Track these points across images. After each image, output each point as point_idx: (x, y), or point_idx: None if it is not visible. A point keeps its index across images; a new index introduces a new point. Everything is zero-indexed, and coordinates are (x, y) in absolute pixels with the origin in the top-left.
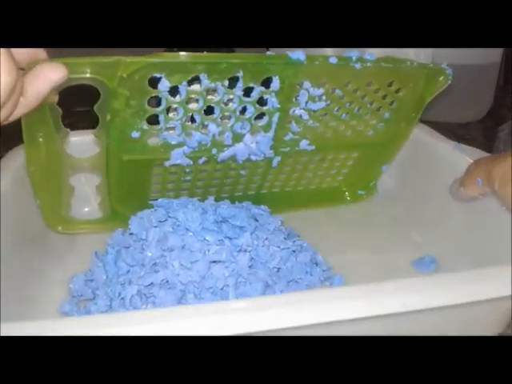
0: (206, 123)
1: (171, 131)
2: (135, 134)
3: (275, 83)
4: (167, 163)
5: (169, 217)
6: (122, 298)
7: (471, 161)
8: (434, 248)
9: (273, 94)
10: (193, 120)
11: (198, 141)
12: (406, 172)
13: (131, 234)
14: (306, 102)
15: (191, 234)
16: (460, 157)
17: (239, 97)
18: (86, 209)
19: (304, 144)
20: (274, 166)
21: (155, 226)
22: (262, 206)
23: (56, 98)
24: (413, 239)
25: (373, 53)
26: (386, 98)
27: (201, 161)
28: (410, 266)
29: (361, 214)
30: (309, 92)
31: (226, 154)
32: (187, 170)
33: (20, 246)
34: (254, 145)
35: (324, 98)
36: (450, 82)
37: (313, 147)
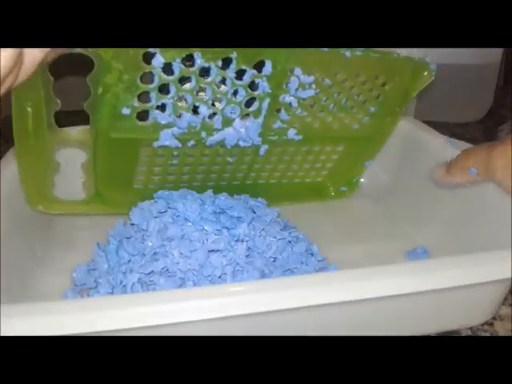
0: (197, 104)
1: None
2: (125, 111)
3: (267, 67)
4: (156, 144)
5: (169, 208)
6: (124, 286)
7: None
8: (427, 242)
9: (264, 78)
10: (184, 102)
11: (188, 122)
12: (400, 166)
13: (132, 224)
14: (296, 89)
15: (190, 224)
16: (453, 152)
17: (231, 79)
18: (69, 188)
19: (292, 133)
20: (262, 155)
21: (155, 217)
22: (259, 199)
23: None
24: (406, 233)
25: None
26: (372, 91)
27: (189, 144)
28: (403, 259)
29: (355, 208)
30: (299, 79)
31: (215, 137)
32: (175, 154)
33: (23, 238)
34: (243, 130)
35: (313, 86)
36: (433, 77)
37: (300, 137)
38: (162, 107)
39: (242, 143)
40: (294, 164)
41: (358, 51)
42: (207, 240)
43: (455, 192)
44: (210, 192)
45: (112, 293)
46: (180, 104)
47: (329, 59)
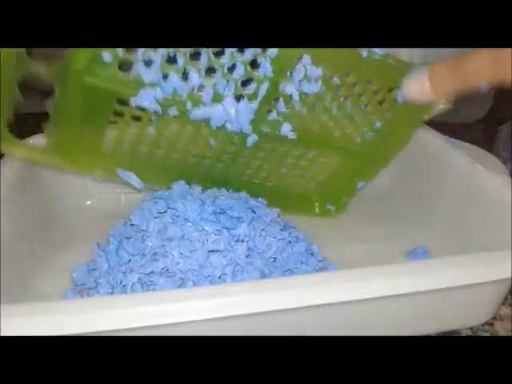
0: (187, 70)
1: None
2: (107, 58)
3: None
4: (133, 100)
5: (168, 208)
6: (124, 286)
7: (467, 157)
8: (427, 242)
9: (268, 59)
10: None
11: (174, 87)
12: (400, 166)
13: (132, 225)
14: (300, 81)
15: (190, 224)
16: (453, 152)
17: (231, 51)
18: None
19: (286, 129)
20: (249, 147)
21: (155, 217)
22: (260, 199)
23: None
24: (406, 233)
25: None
26: (383, 103)
27: (171, 112)
28: (403, 259)
29: (355, 208)
30: (306, 69)
31: (200, 112)
32: (153, 119)
33: (23, 238)
34: (233, 111)
35: (320, 82)
36: (451, 104)
37: (295, 136)
38: (149, 64)
39: (229, 126)
40: (282, 167)
41: (377, 55)
42: (207, 240)
43: (455, 192)
44: (210, 192)
45: (112, 293)
46: (169, 65)
47: (343, 54)
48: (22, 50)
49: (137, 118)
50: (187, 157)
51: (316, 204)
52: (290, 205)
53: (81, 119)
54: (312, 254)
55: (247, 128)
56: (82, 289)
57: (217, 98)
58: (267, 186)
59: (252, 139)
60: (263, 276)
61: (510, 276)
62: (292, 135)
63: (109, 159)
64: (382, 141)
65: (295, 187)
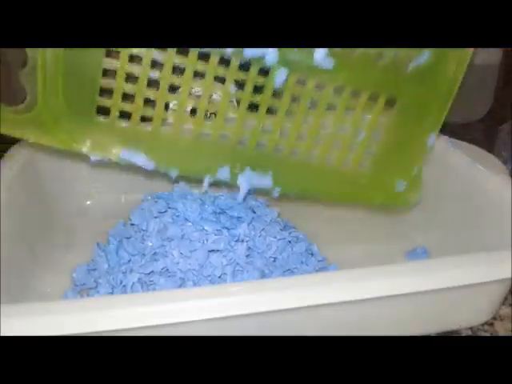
0: None
1: None
2: None
3: None
4: None
5: (169, 208)
6: (124, 286)
7: (467, 157)
8: (427, 242)
9: None
10: None
11: None
12: None
13: (132, 224)
14: None
15: (190, 224)
16: (456, 153)
17: None
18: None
19: (320, 55)
20: (278, 87)
21: (155, 217)
22: (260, 199)
23: None
24: (406, 233)
25: None
26: None
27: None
28: (403, 259)
29: (355, 208)
30: None
31: None
32: (156, 58)
33: (23, 238)
34: None
35: None
36: None
37: (331, 62)
38: None
39: (248, 52)
40: (321, 119)
41: None
42: (207, 240)
43: (455, 192)
44: (210, 192)
45: (112, 293)
46: None
47: None
48: None
49: (137, 56)
50: (203, 121)
51: (390, 182)
52: (346, 191)
53: (68, 63)
54: (312, 254)
55: (272, 55)
56: (82, 289)
57: None
58: (311, 166)
59: (281, 78)
60: (263, 276)
61: (510, 276)
62: (328, 62)
63: (102, 133)
64: (440, 64)
65: (345, 161)
